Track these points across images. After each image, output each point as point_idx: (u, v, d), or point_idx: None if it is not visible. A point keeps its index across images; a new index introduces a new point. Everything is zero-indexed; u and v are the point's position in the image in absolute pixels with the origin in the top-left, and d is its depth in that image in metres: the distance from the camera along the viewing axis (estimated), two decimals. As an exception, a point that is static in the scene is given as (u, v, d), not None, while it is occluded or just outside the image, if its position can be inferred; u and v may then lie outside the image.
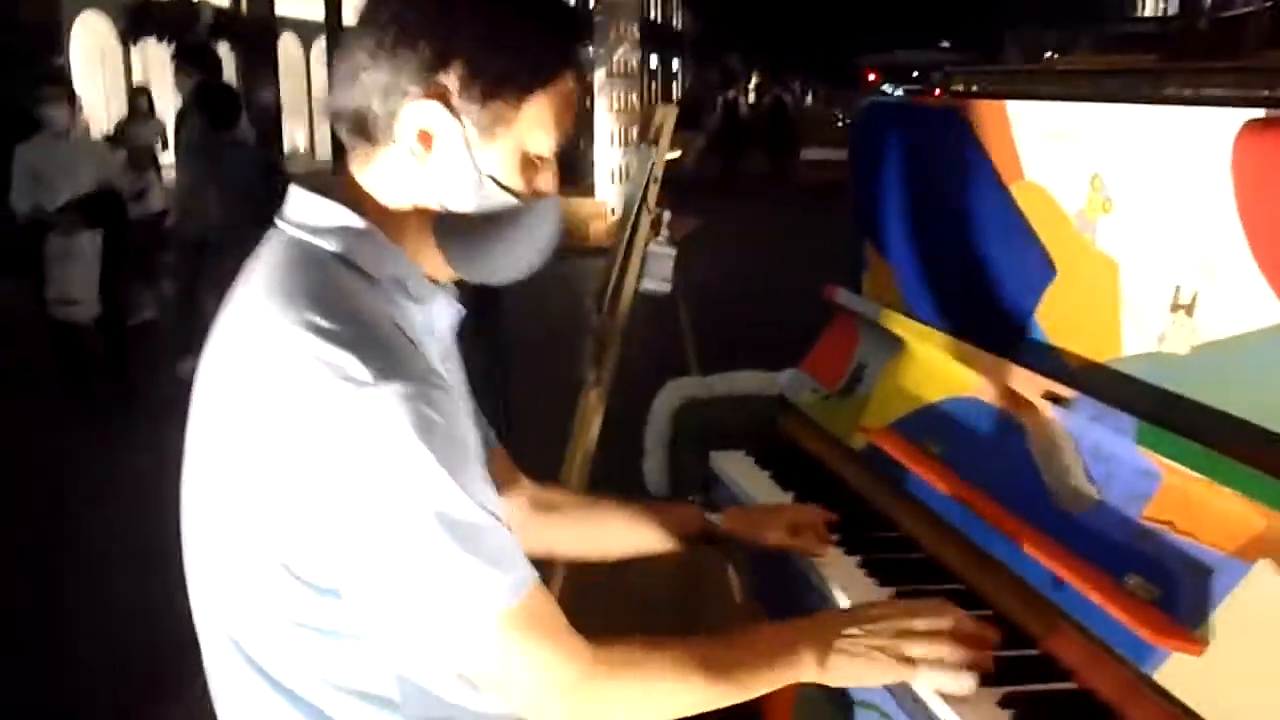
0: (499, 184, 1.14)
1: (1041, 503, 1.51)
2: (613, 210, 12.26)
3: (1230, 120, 1.22)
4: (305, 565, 1.08)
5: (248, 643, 1.15)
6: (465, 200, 1.14)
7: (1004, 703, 1.29)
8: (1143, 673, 1.24)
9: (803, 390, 2.23)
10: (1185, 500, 1.31)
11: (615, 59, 11.90)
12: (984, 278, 1.79)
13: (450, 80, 1.09)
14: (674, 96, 42.05)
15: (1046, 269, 1.65)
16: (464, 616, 1.06)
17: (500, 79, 1.10)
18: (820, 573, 1.65)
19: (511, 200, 1.15)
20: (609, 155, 12.11)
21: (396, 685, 1.15)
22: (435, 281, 1.20)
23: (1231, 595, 1.21)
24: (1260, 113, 1.21)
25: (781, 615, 1.64)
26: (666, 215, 3.34)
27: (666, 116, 3.40)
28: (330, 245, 1.12)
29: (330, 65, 1.19)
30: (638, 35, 12.39)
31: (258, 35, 19.69)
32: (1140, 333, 1.47)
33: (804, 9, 39.64)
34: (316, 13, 21.17)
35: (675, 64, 45.11)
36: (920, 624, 1.25)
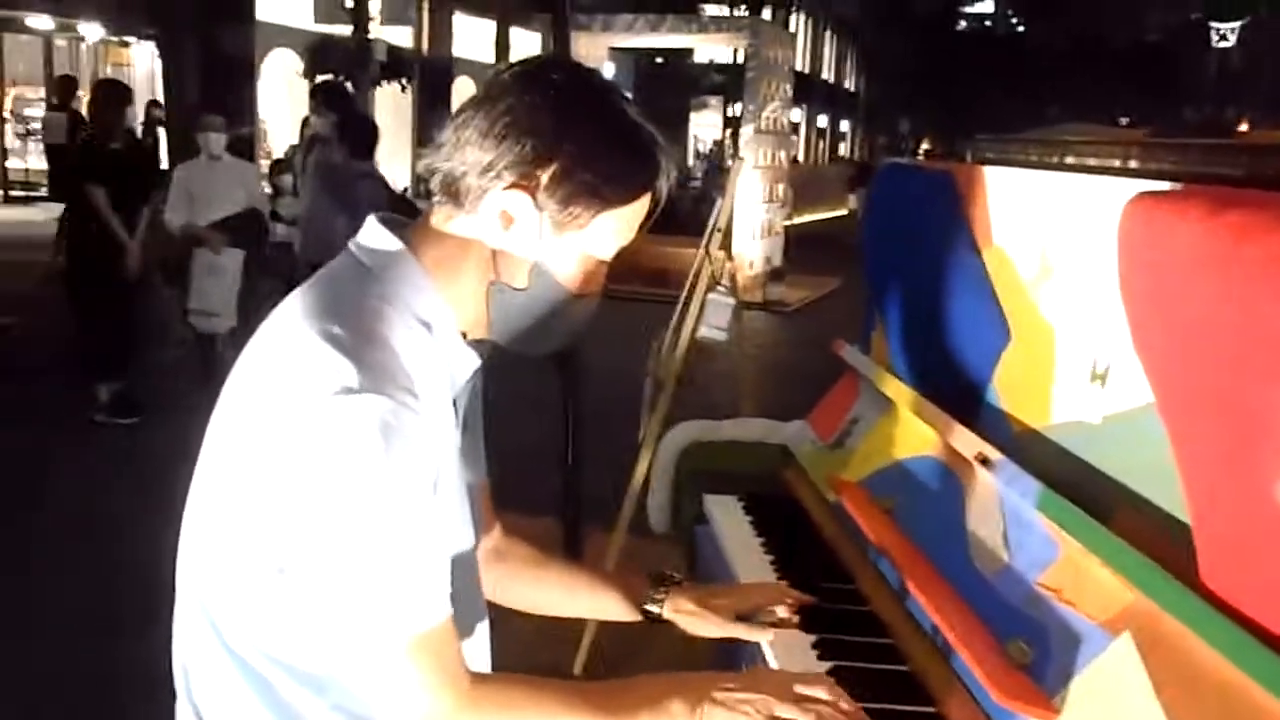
0: (555, 275, 1.25)
1: (962, 563, 1.52)
2: (750, 264, 12.34)
3: (1124, 192, 1.22)
4: (264, 543, 1.19)
5: (212, 607, 1.26)
6: (521, 280, 1.25)
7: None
8: (1004, 736, 1.24)
9: (803, 441, 2.26)
10: (1075, 568, 1.31)
11: (765, 116, 12.03)
12: (954, 340, 1.80)
13: (542, 177, 1.19)
14: (841, 156, 41.97)
15: (1004, 334, 1.66)
16: (373, 627, 1.16)
17: (585, 189, 1.20)
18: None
19: (561, 291, 1.26)
20: (753, 210, 12.21)
21: (326, 672, 1.25)
22: (464, 335, 1.29)
23: (1092, 666, 1.20)
24: (1150, 186, 1.21)
25: (723, 659, 1.67)
26: (729, 265, 3.41)
27: (736, 169, 3.48)
28: (370, 263, 1.25)
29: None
30: (790, 94, 12.51)
31: (435, 76, 20.57)
32: (1067, 400, 1.46)
33: (982, 80, 39.15)
34: (491, 56, 22.00)
35: (845, 125, 45.05)
36: (799, 691, 1.29)
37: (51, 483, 5.02)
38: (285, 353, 1.18)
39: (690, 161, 22.55)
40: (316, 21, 15.97)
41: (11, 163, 18.25)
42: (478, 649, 1.43)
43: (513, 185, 1.19)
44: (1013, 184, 1.67)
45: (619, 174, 1.23)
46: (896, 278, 2.05)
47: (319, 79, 15.47)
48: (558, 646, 3.17)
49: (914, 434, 1.83)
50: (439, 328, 1.25)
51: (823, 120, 41.51)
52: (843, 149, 44.14)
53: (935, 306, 1.86)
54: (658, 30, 12.70)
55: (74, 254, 6.10)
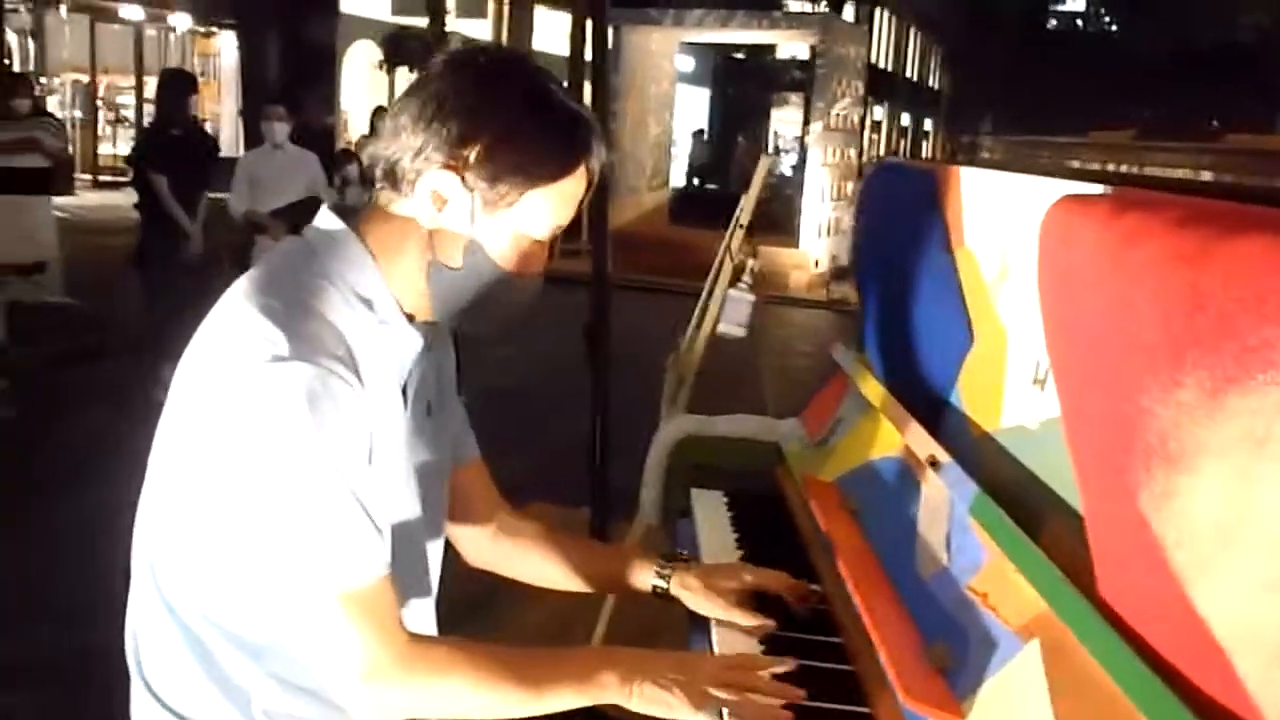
0: (489, 254, 1.30)
1: (908, 565, 1.51)
2: (816, 262, 12.27)
3: (1053, 194, 1.21)
4: (204, 507, 1.25)
5: (160, 572, 1.32)
6: (456, 259, 1.31)
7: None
8: (916, 739, 1.24)
9: (794, 439, 2.25)
10: (1000, 574, 1.29)
11: (834, 113, 11.94)
12: (926, 341, 1.79)
13: (469, 156, 1.25)
14: (924, 154, 41.44)
15: (968, 336, 1.64)
16: (306, 583, 1.21)
17: (510, 167, 1.26)
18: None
19: (496, 271, 1.31)
20: (819, 208, 12.13)
21: (264, 639, 1.30)
22: (411, 317, 1.35)
23: (1002, 672, 1.19)
24: (1079, 189, 1.19)
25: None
26: (751, 262, 3.40)
27: (762, 165, 3.46)
28: (316, 245, 1.31)
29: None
30: (860, 91, 12.39)
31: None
32: (1014, 404, 1.45)
33: (1071, 80, 38.41)
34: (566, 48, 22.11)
35: (929, 123, 44.46)
36: (729, 675, 1.34)
37: (114, 462, 5.17)
38: (226, 326, 1.24)
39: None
40: (394, 14, 16.20)
41: (103, 148, 18.81)
42: (422, 626, 1.46)
43: (442, 166, 1.25)
44: (980, 185, 1.65)
45: (544, 152, 1.28)
46: (881, 277, 2.04)
47: (399, 72, 15.73)
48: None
49: (884, 435, 1.82)
50: (381, 307, 1.31)
51: (905, 118, 41.02)
52: (925, 147, 43.59)
53: (911, 307, 1.85)
54: (727, 26, 12.70)
55: (143, 238, 6.31)
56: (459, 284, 1.32)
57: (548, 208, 1.30)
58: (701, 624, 1.63)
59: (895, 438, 1.77)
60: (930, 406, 1.71)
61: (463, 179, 1.26)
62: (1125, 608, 1.00)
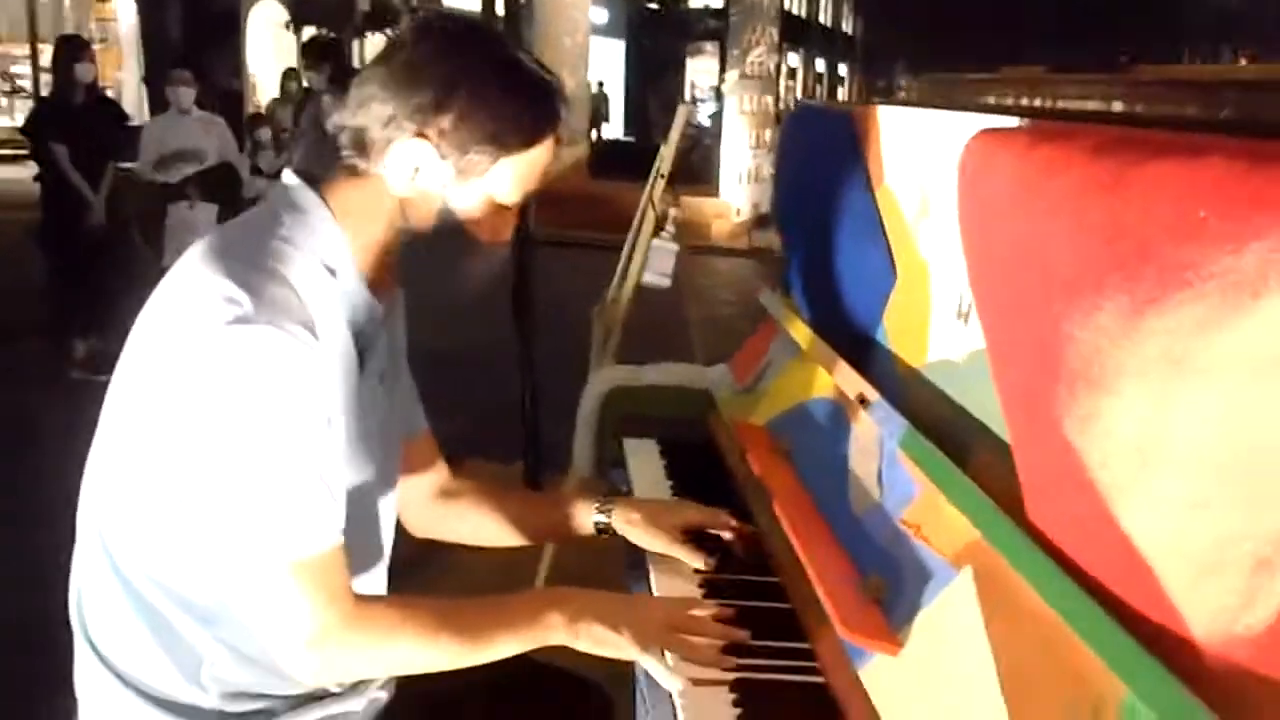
0: (460, 221, 1.31)
1: (842, 502, 1.53)
2: (738, 211, 12.30)
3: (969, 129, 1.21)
4: (158, 468, 1.23)
5: (109, 535, 1.30)
6: (427, 224, 1.31)
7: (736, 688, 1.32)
8: (853, 671, 1.26)
9: (724, 385, 2.26)
10: (931, 506, 1.32)
11: (750, 61, 11.93)
12: (850, 281, 1.80)
13: (441, 124, 1.26)
14: (840, 99, 41.64)
15: (891, 274, 1.66)
16: (259, 548, 1.20)
17: (482, 135, 1.27)
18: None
19: (466, 237, 1.32)
20: (738, 156, 12.14)
21: (213, 602, 1.29)
22: (372, 285, 1.33)
23: (935, 601, 1.21)
24: (996, 123, 1.20)
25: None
26: (672, 211, 3.39)
27: (680, 115, 3.44)
28: (281, 210, 1.30)
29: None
30: (775, 38, 12.38)
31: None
32: (939, 339, 1.47)
33: (979, 21, 38.74)
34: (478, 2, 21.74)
35: (844, 69, 44.62)
36: (676, 617, 1.36)
37: (27, 438, 5.05)
38: (187, 287, 1.23)
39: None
40: (300, -28, 15.79)
41: (-1, 120, 18.16)
42: (373, 587, 1.46)
43: (414, 134, 1.25)
44: (898, 123, 1.66)
45: (515, 119, 1.28)
46: (803, 220, 2.04)
47: (306, 32, 15.36)
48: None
49: (813, 376, 1.84)
50: (343, 273, 1.30)
51: (820, 64, 41.12)
52: (840, 93, 43.79)
53: (834, 248, 1.86)
54: (639, -26, 12.56)
55: (45, 210, 6.12)
56: (429, 252, 1.32)
57: (518, 174, 1.31)
58: (639, 565, 1.65)
59: (824, 378, 1.78)
60: (857, 345, 1.72)
61: (435, 146, 1.26)
62: (1054, 531, 1.03)
